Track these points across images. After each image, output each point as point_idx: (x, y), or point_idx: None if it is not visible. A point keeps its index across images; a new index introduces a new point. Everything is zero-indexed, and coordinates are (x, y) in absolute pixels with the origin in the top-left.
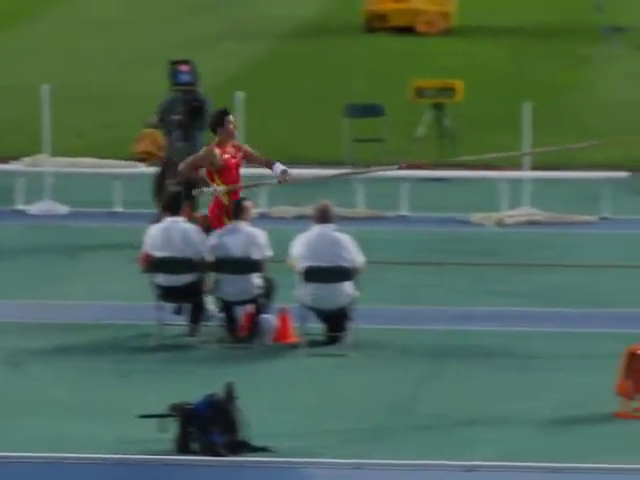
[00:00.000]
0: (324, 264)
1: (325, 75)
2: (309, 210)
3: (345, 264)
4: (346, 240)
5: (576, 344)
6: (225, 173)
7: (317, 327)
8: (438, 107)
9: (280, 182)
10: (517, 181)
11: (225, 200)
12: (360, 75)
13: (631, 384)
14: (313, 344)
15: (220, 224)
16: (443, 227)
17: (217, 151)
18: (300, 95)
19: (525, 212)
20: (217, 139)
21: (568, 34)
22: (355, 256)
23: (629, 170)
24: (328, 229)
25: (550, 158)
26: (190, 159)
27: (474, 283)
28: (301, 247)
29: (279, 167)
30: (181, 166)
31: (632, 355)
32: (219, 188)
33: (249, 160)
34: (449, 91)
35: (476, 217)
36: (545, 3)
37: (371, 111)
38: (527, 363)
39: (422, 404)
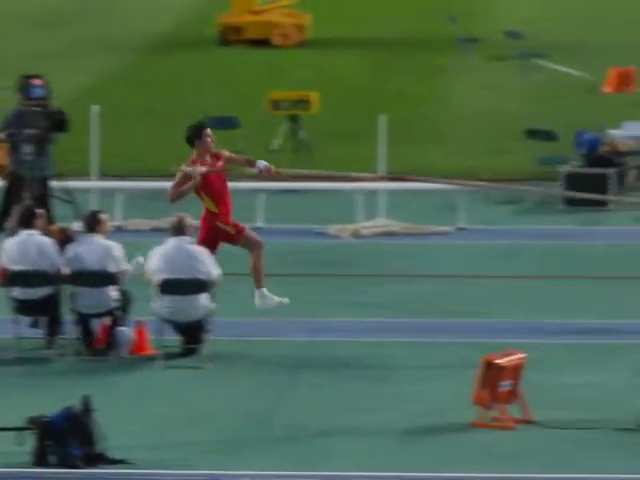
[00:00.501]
0: (180, 277)
1: (181, 88)
2: (165, 223)
3: (201, 276)
4: (202, 252)
5: (433, 354)
6: (209, 186)
7: (174, 339)
8: (293, 119)
9: (261, 172)
10: (373, 192)
11: (213, 208)
12: (216, 88)
13: (488, 394)
14: (170, 356)
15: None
16: (299, 239)
17: (195, 168)
18: (156, 108)
19: (381, 223)
20: (195, 153)
21: (423, 45)
22: (211, 268)
23: (484, 180)
24: (184, 242)
25: (406, 169)
26: (173, 184)
27: (331, 294)
28: (157, 260)
29: (261, 163)
30: (170, 192)
31: (488, 365)
32: (199, 169)
33: (231, 163)
34: (304, 103)
35: (332, 229)
36: (400, 15)
37: (227, 123)
38: (384, 374)
39: (279, 415)
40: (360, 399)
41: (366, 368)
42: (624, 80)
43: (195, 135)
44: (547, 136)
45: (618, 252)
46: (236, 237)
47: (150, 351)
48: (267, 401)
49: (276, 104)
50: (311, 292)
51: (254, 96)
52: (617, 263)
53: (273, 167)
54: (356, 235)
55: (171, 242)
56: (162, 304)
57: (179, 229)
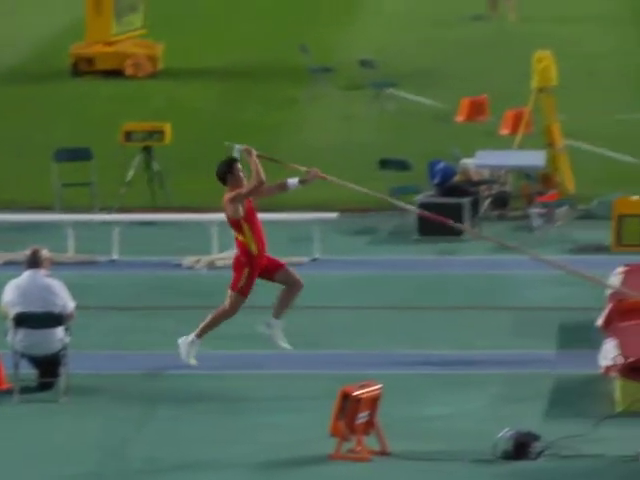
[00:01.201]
0: (35, 310)
1: (34, 120)
2: (20, 256)
3: (56, 310)
4: (57, 285)
5: (290, 386)
6: (251, 218)
7: (30, 373)
8: (147, 150)
9: (306, 181)
10: (227, 223)
11: (254, 249)
12: (69, 119)
13: (345, 425)
14: (25, 390)
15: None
16: (154, 271)
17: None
18: (10, 140)
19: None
20: (228, 189)
21: (276, 75)
22: (66, 301)
23: (338, 211)
24: (39, 275)
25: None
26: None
27: (186, 326)
28: (11, 293)
29: (292, 181)
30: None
31: (345, 396)
32: (239, 146)
33: (265, 194)
34: (158, 134)
35: (187, 260)
36: (253, 44)
37: (79, 155)
38: (241, 406)
39: (135, 448)
40: (217, 431)
41: (223, 400)
42: (476, 109)
43: (227, 171)
44: (400, 166)
45: (473, 282)
46: (281, 265)
47: (5, 385)
48: (123, 434)
49: (129, 135)
50: (166, 324)
51: (107, 127)
52: (472, 293)
53: (316, 171)
54: (211, 267)
55: (26, 275)
56: (17, 338)
57: (34, 262)
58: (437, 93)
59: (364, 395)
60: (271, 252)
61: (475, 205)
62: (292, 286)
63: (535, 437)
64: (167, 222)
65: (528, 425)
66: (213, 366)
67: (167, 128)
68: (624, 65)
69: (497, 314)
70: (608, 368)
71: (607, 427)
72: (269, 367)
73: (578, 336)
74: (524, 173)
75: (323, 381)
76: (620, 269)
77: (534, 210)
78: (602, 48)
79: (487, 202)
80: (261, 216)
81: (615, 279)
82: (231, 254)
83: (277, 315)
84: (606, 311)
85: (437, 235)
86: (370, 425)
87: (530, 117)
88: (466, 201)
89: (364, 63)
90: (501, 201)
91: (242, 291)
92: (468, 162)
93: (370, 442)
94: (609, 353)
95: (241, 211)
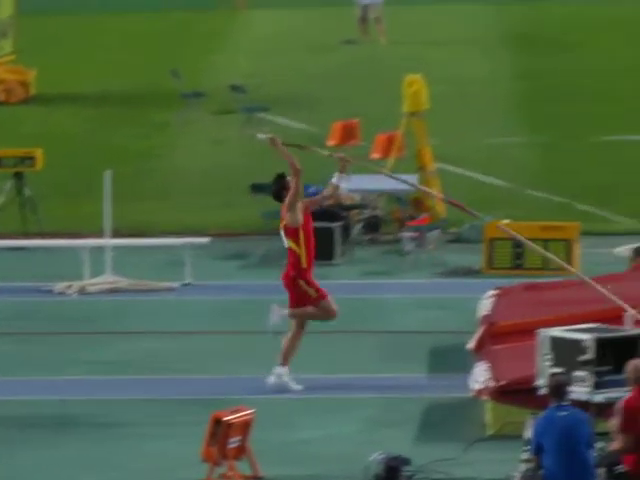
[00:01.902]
0: None
1: None
2: None
3: None
4: None
5: (162, 411)
6: (307, 228)
7: None
8: (18, 176)
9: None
10: (99, 249)
11: (304, 262)
12: None
13: (216, 450)
14: None
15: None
16: (25, 297)
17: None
18: None
19: (108, 280)
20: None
21: (148, 100)
22: None
23: (209, 236)
24: None
25: (133, 226)
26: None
27: (57, 352)
28: None
29: (335, 177)
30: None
31: (217, 421)
32: (262, 136)
33: (318, 204)
34: (29, 160)
35: (58, 286)
36: (125, 70)
37: None
38: (113, 431)
39: (6, 473)
40: (88, 457)
41: (94, 426)
42: (348, 133)
43: (280, 188)
44: (272, 190)
45: (344, 306)
46: (314, 302)
47: None
48: None
49: (0, 161)
50: (37, 350)
51: None
52: (343, 317)
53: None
54: (82, 292)
55: None
56: None
57: None
58: (309, 117)
59: (236, 420)
60: (143, 277)
61: (346, 229)
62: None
63: (405, 461)
64: (38, 248)
65: (399, 449)
66: (85, 392)
67: (39, 154)
68: (494, 89)
69: (368, 338)
70: (479, 391)
71: (478, 450)
72: (140, 392)
73: (449, 359)
74: (395, 197)
75: (195, 406)
76: (491, 292)
77: (405, 234)
78: (473, 72)
79: (358, 226)
80: (132, 241)
81: (486, 302)
82: (104, 279)
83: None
84: (477, 334)
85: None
86: (242, 450)
87: (401, 141)
88: (337, 225)
89: (235, 88)
90: (372, 225)
91: (320, 293)
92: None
93: (242, 467)
94: (480, 376)
95: (300, 219)
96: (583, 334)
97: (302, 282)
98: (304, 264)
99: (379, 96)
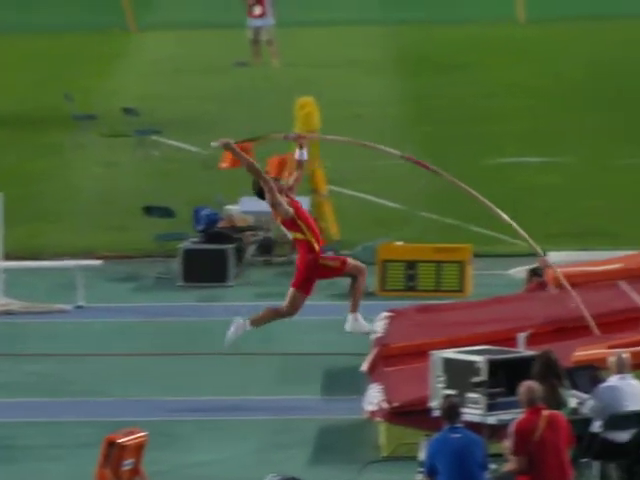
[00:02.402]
0: None
1: None
2: None
3: None
4: None
5: (55, 433)
6: (303, 214)
7: None
8: None
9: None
10: None
11: (316, 246)
12: None
13: (110, 472)
14: None
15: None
16: None
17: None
18: None
19: (0, 302)
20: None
21: (41, 122)
22: None
23: (102, 258)
24: None
25: (25, 247)
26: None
27: None
28: None
29: (299, 153)
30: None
31: (110, 443)
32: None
33: (294, 190)
34: None
35: None
36: (18, 92)
37: None
38: (8, 454)
39: None
40: None
41: None
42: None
43: (259, 187)
44: (164, 213)
45: None
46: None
47: None
48: None
49: None
50: None
51: None
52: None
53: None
54: None
55: None
56: None
57: None
58: (202, 140)
59: (129, 442)
60: (36, 299)
61: (240, 251)
62: (359, 275)
63: None
64: None
65: (294, 470)
66: None
67: None
68: (386, 111)
69: (263, 360)
70: (373, 413)
71: (372, 472)
72: (34, 415)
73: (343, 381)
74: None
75: (90, 428)
76: (384, 314)
77: None
78: (365, 94)
79: (252, 248)
80: (25, 264)
81: (379, 324)
82: (6, 302)
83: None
84: (371, 356)
85: (201, 282)
86: (136, 472)
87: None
88: (230, 247)
89: (127, 111)
90: (266, 247)
91: (340, 260)
92: (232, 208)
93: None
94: (373, 398)
95: (289, 209)
96: (475, 356)
97: (322, 261)
98: (316, 247)
99: (273, 118)
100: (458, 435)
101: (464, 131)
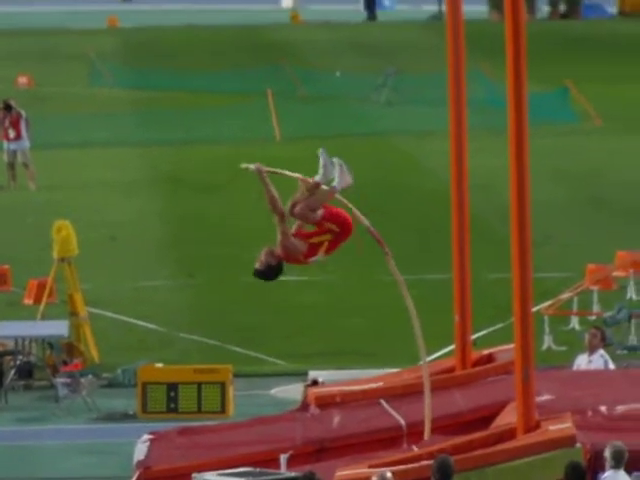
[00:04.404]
0: None
1: None
2: None
3: None
4: None
5: None
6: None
7: None
8: None
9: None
10: None
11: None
12: None
13: None
14: None
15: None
16: None
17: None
18: None
19: None
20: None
21: None
22: None
23: None
24: None
25: None
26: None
27: None
28: None
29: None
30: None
31: None
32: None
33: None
34: None
35: None
36: None
37: None
38: None
39: None
40: None
41: None
42: (1, 280)
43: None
44: None
45: None
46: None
47: None
48: None
49: None
50: None
51: None
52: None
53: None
54: None
55: None
56: None
57: None
58: None
59: None
60: None
61: (0, 376)
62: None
63: None
64: None
65: None
66: None
67: None
68: (144, 232)
69: None
70: None
71: None
72: None
73: None
74: (48, 343)
75: None
76: (146, 436)
77: (59, 380)
78: (122, 216)
79: (12, 372)
80: None
81: (141, 447)
82: None
83: None
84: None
85: None
86: None
87: (53, 287)
88: None
89: None
90: (26, 371)
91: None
92: None
93: None
94: None
95: (300, 245)
96: (237, 478)
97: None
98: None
99: (30, 242)
100: None
101: (223, 251)
